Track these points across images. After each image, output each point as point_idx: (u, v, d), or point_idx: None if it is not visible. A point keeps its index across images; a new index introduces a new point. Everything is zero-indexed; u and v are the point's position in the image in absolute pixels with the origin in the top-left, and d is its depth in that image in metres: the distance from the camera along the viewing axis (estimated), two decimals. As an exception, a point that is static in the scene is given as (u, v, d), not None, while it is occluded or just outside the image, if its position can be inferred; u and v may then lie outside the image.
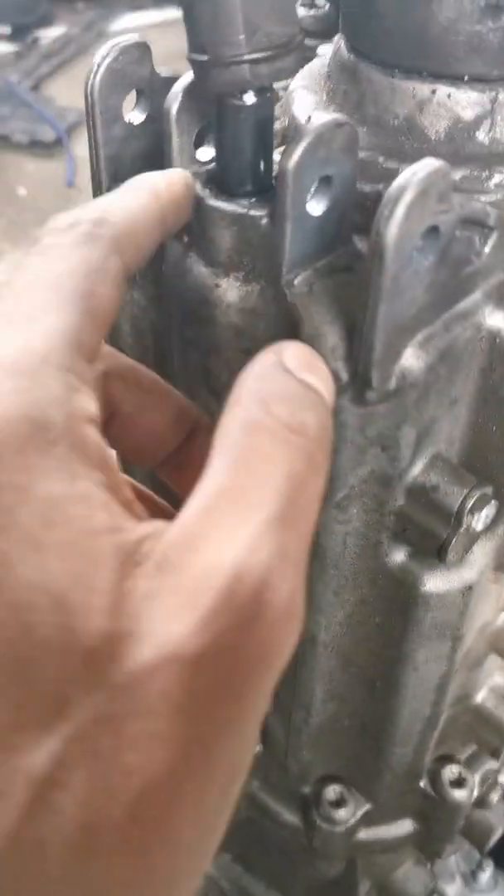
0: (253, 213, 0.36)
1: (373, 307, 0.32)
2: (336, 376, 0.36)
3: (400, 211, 0.29)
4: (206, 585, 0.25)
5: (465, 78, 0.38)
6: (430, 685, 0.51)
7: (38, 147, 2.99)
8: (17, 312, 0.29)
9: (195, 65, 0.33)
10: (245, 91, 0.33)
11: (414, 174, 0.29)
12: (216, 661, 0.25)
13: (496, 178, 0.39)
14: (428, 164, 0.30)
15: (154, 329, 0.45)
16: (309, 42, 0.55)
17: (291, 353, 0.31)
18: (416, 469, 0.40)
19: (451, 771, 0.61)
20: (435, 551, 0.41)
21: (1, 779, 0.23)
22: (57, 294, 0.30)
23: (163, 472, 0.42)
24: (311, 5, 0.57)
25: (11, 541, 0.25)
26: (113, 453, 0.31)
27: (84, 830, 0.23)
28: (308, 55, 0.53)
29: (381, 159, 0.40)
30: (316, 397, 0.31)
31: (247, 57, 0.31)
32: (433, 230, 0.32)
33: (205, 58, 0.32)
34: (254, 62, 0.31)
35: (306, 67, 0.48)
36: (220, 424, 0.30)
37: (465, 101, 0.39)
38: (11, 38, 3.60)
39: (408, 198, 0.29)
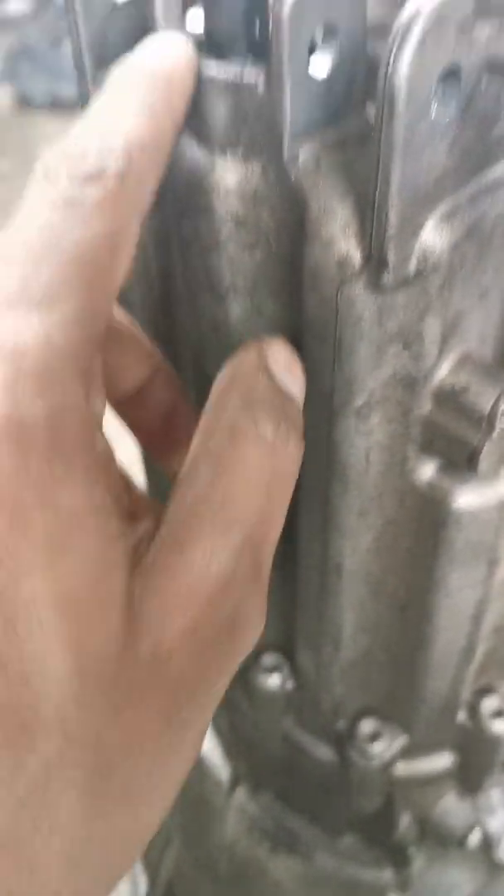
0: (247, 76, 0.31)
1: (385, 167, 0.27)
2: (348, 259, 0.32)
3: (411, 43, 0.25)
4: (195, 592, 0.29)
5: None
6: (465, 613, 0.47)
7: (59, 107, 2.94)
8: (35, 287, 0.27)
9: None
10: None
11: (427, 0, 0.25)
12: (196, 661, 0.29)
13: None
14: (444, -11, 0.25)
15: (160, 272, 0.41)
16: None
17: (274, 354, 0.34)
18: (443, 370, 0.36)
19: (490, 703, 0.57)
20: (465, 461, 0.37)
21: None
22: (75, 270, 0.27)
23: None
24: None
25: (37, 546, 0.26)
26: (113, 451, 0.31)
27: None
28: None
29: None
30: (296, 411, 0.34)
31: None
32: (453, 73, 0.27)
33: None
34: None
35: None
36: (205, 420, 0.32)
37: None
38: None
39: (420, 26, 0.25)
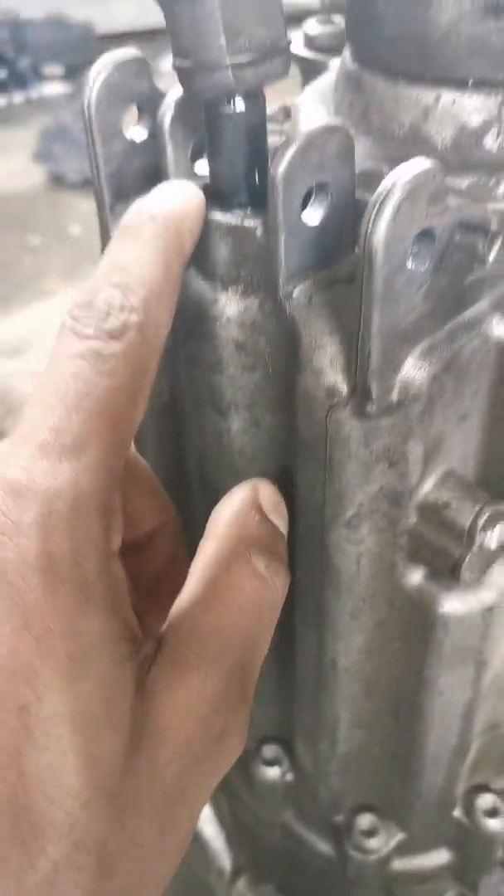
0: (247, 223, 0.35)
1: (366, 314, 0.31)
2: (336, 389, 0.35)
3: (387, 212, 0.28)
4: (191, 712, 0.32)
5: (470, 82, 0.37)
6: (455, 712, 0.49)
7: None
8: (67, 435, 0.30)
9: (179, 71, 0.33)
10: (231, 97, 0.32)
11: (401, 174, 0.28)
12: (188, 774, 0.32)
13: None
14: (417, 164, 0.29)
15: (171, 388, 0.45)
16: (324, 59, 0.55)
17: (265, 494, 0.39)
18: (427, 486, 0.39)
19: (485, 800, 0.58)
20: (449, 571, 0.39)
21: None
22: (101, 419, 0.31)
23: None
24: (327, 21, 0.56)
25: (60, 668, 0.29)
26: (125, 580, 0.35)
27: None
28: (323, 71, 0.52)
29: (385, 169, 0.38)
30: (283, 547, 0.38)
31: (229, 61, 0.31)
32: (427, 235, 0.31)
33: (187, 63, 0.31)
34: (237, 66, 0.31)
35: (316, 81, 0.48)
36: (204, 551, 0.37)
37: (470, 107, 0.38)
38: (65, 77, 3.67)
39: (394, 198, 0.28)
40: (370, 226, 0.29)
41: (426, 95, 0.38)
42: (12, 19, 3.51)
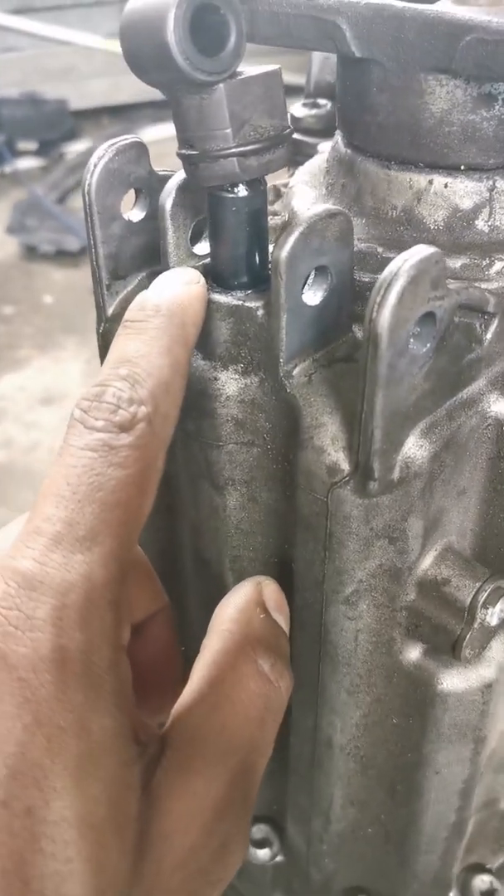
0: (248, 304, 0.35)
1: (370, 395, 0.31)
2: (337, 468, 0.35)
3: (392, 297, 0.29)
4: (195, 817, 0.32)
5: (462, 167, 0.38)
6: (453, 789, 0.48)
7: (63, 256, 3.08)
8: (79, 527, 0.30)
9: (185, 159, 0.33)
10: (235, 184, 0.33)
11: (405, 261, 0.29)
12: (191, 882, 0.32)
13: (497, 266, 0.39)
14: (420, 251, 0.29)
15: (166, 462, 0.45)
16: (311, 140, 0.57)
17: (269, 592, 0.39)
18: (426, 562, 0.39)
19: (481, 880, 0.57)
20: (449, 648, 0.39)
21: None
22: (112, 511, 0.31)
23: None
24: (314, 105, 0.58)
25: (69, 768, 0.28)
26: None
27: None
28: (310, 153, 0.54)
29: (380, 250, 0.39)
30: (286, 647, 0.39)
31: (234, 150, 0.31)
32: (429, 316, 0.31)
33: (193, 152, 0.32)
34: (242, 155, 0.32)
35: (307, 164, 0.49)
36: (208, 649, 0.37)
37: (462, 191, 0.39)
38: (39, 153, 3.75)
39: (399, 284, 0.29)
40: (375, 311, 0.29)
41: (419, 180, 0.39)
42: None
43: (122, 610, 0.31)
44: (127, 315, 0.35)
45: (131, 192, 0.42)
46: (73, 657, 0.29)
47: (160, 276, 0.36)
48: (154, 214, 0.42)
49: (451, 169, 0.39)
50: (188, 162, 0.33)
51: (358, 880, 0.59)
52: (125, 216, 0.41)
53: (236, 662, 0.35)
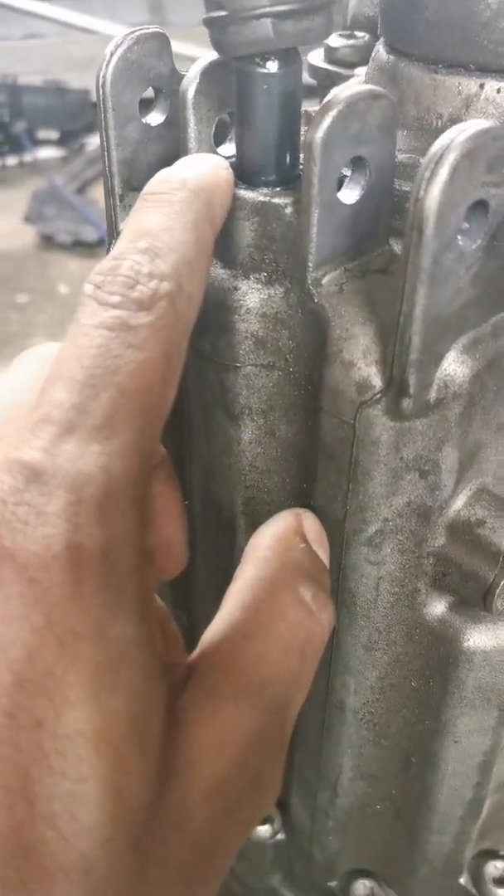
0: (276, 200, 0.32)
1: (410, 293, 0.28)
2: (368, 384, 0.31)
3: (443, 173, 0.25)
4: (225, 749, 0.28)
5: (516, 71, 0.35)
6: (472, 762, 0.44)
7: (80, 247, 3.06)
8: (95, 414, 0.26)
9: (212, 25, 0.30)
10: (268, 55, 0.30)
11: (461, 132, 0.26)
12: (218, 822, 0.28)
13: (550, 181, 0.35)
14: (477, 124, 0.26)
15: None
16: (345, 73, 0.53)
17: (309, 523, 0.35)
18: (459, 502, 0.36)
19: (494, 867, 0.53)
20: (480, 598, 0.36)
21: None
22: (132, 398, 0.27)
23: None
24: (350, 36, 0.54)
25: (84, 678, 0.25)
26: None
27: None
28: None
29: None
30: (328, 581, 0.34)
31: (269, 10, 0.28)
32: (481, 205, 0.28)
33: (223, 13, 0.29)
34: (277, 16, 0.28)
35: (343, 83, 0.45)
36: (244, 575, 0.33)
37: (516, 97, 0.35)
38: (59, 143, 3.73)
39: (452, 157, 0.25)
40: (423, 189, 0.26)
41: (469, 84, 0.36)
42: (10, 83, 3.56)
43: (146, 511, 0.28)
44: (147, 188, 0.31)
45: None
46: (90, 556, 0.25)
47: (184, 158, 0.33)
48: (175, 120, 0.38)
49: (505, 72, 0.35)
50: (216, 27, 0.30)
51: (363, 862, 0.55)
52: (143, 119, 0.38)
53: (274, 591, 0.32)
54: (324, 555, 0.35)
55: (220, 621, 0.31)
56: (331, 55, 0.53)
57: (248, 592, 0.32)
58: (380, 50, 0.40)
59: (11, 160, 3.62)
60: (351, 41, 0.53)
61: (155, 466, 0.38)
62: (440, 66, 0.36)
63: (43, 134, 3.77)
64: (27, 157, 3.65)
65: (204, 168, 0.32)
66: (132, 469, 0.27)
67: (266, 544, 0.34)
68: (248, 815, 0.30)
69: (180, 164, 0.32)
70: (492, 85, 0.35)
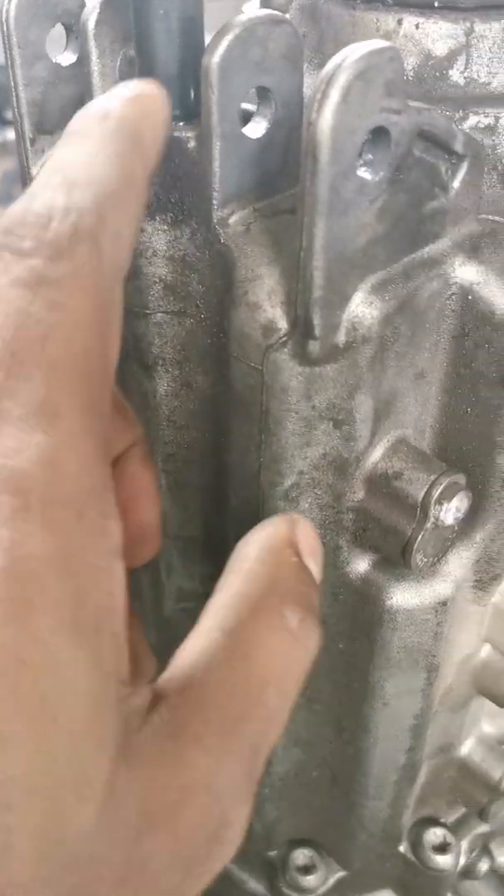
0: (177, 134, 0.30)
1: (308, 225, 0.26)
2: (273, 326, 0.30)
3: (334, 94, 0.24)
4: (186, 799, 0.24)
5: (436, 5, 0.34)
6: (403, 725, 0.44)
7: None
8: (30, 396, 0.22)
9: None
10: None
11: (354, 51, 0.24)
12: (172, 877, 0.24)
13: (471, 120, 0.34)
14: (371, 43, 0.25)
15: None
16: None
17: (304, 534, 0.31)
18: (376, 454, 0.34)
19: (434, 834, 0.53)
20: (399, 553, 0.35)
21: None
22: (69, 368, 0.23)
23: None
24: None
25: (23, 712, 0.21)
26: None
27: None
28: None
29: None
30: (317, 602, 0.30)
31: None
32: (382, 134, 0.26)
33: None
34: None
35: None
36: (226, 586, 0.29)
37: (435, 34, 0.34)
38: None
39: (344, 77, 0.24)
40: (314, 111, 0.24)
41: (387, 20, 0.34)
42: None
43: (106, 501, 0.24)
44: (67, 126, 0.27)
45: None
46: (37, 572, 0.21)
47: (113, 89, 0.28)
48: (87, 59, 0.37)
49: (424, 7, 0.34)
50: None
51: (303, 831, 0.54)
52: (52, 58, 0.37)
53: (259, 613, 0.28)
54: (316, 568, 0.32)
55: (196, 641, 0.28)
56: (267, 3, 0.51)
57: (231, 611, 0.28)
58: (301, -13, 0.38)
59: (-23, 141, 3.59)
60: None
61: (130, 446, 0.35)
62: (358, 1, 0.35)
63: (10, 114, 3.74)
64: (-5, 138, 3.61)
65: (129, 96, 0.27)
66: (85, 457, 0.23)
67: (254, 555, 0.30)
68: (206, 869, 0.26)
69: (105, 95, 0.28)
70: (410, 20, 0.34)
